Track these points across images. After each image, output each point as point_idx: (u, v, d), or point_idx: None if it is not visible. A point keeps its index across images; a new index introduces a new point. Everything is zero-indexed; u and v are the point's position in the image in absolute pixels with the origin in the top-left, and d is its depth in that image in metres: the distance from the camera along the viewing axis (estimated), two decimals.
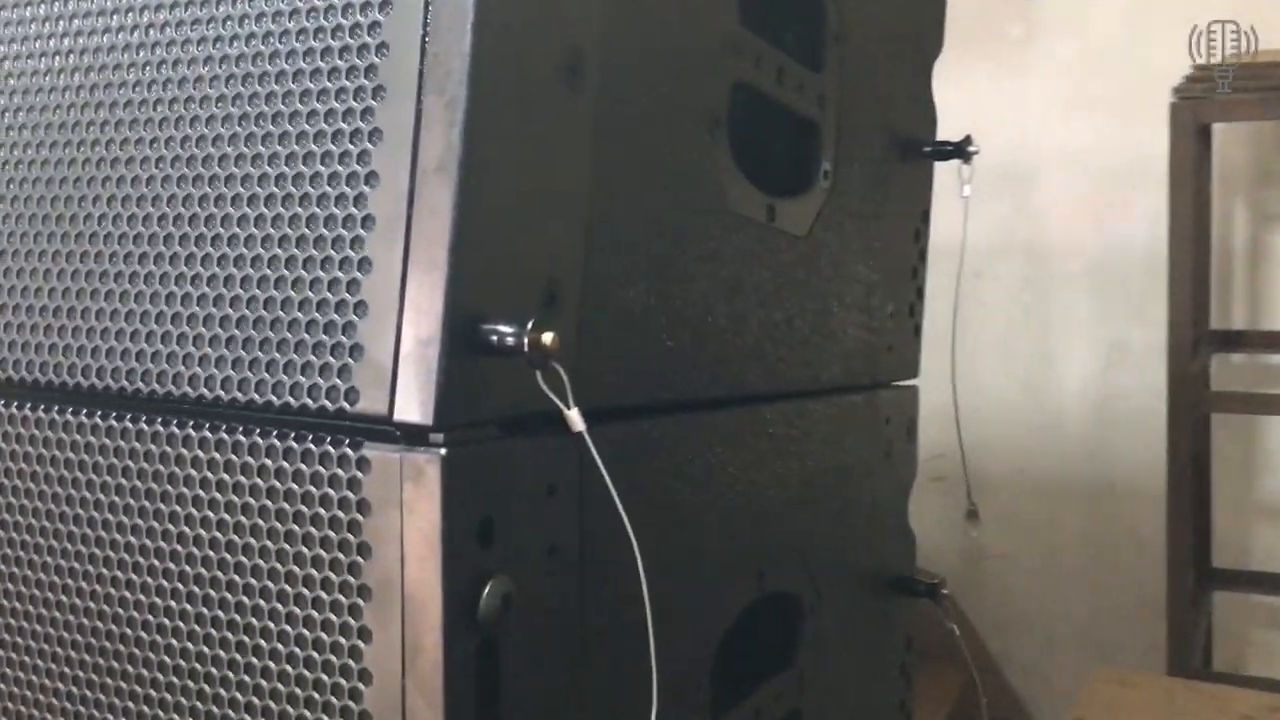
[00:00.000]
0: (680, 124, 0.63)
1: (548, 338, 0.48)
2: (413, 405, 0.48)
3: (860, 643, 0.95)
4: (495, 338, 0.48)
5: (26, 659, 0.61)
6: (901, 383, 0.99)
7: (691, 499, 0.67)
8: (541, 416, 0.52)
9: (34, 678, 0.60)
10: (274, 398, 0.51)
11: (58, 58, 0.60)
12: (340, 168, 0.50)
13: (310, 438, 0.51)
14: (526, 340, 0.48)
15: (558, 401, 0.49)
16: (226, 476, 0.53)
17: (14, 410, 0.60)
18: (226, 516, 0.53)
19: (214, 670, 0.54)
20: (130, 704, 0.57)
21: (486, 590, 0.49)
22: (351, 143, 0.50)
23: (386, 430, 0.49)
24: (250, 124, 0.53)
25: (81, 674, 0.59)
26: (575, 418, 0.49)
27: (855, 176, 0.84)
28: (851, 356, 0.87)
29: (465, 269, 0.48)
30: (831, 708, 0.88)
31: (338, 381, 0.50)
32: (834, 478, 0.86)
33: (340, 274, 0.50)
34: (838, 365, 0.85)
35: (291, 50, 0.52)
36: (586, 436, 0.49)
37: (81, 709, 0.59)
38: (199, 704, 0.55)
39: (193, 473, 0.54)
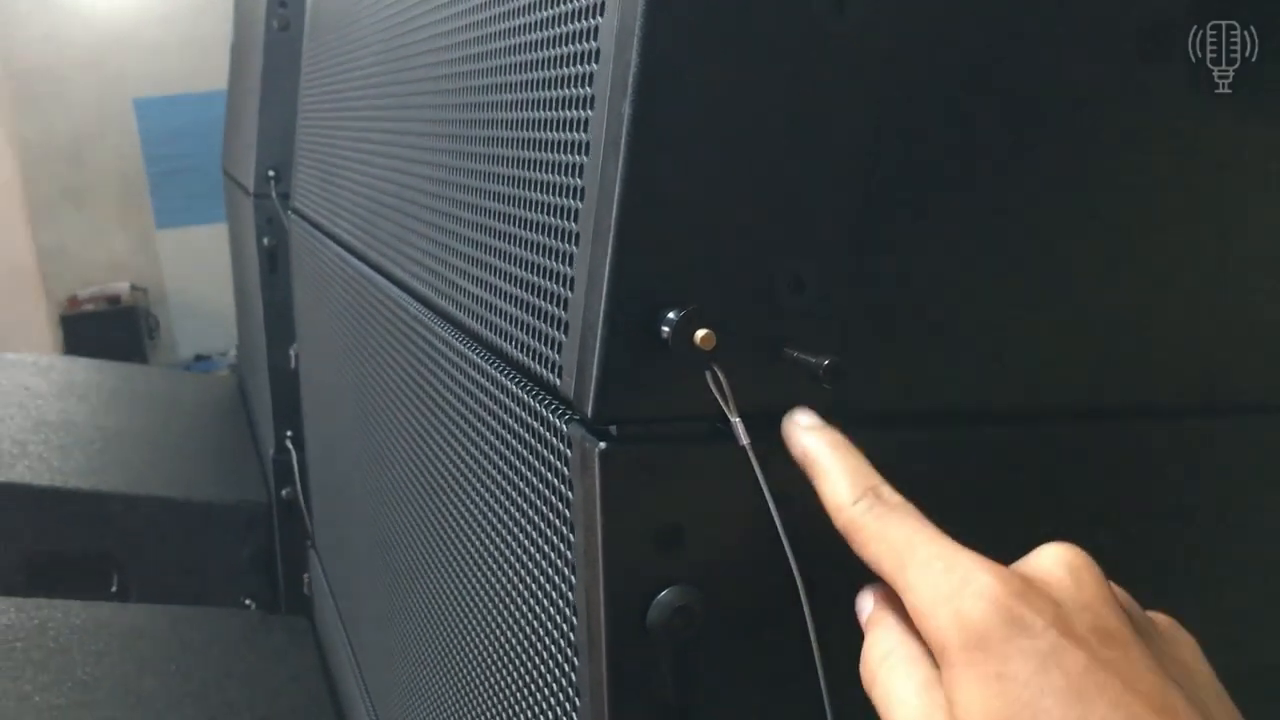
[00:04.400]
0: (1079, 46, 0.48)
1: (699, 334, 0.42)
2: (583, 392, 0.45)
3: None
4: (664, 329, 0.43)
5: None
6: None
7: None
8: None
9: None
10: (532, 363, 0.52)
11: None
12: (571, 134, 0.48)
13: (549, 401, 0.51)
14: (672, 334, 0.42)
15: (724, 405, 0.43)
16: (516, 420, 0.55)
17: None
18: (502, 460, 0.56)
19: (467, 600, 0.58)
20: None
21: (656, 600, 0.46)
22: (579, 109, 0.48)
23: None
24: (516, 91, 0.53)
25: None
26: (738, 427, 0.42)
27: None
28: None
29: (638, 246, 0.43)
30: None
31: (556, 357, 0.49)
32: None
33: (562, 245, 0.48)
34: None
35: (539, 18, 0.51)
36: (750, 451, 0.42)
37: None
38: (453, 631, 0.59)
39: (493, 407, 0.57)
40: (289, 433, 1.79)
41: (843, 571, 0.42)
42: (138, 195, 4.96)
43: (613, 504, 0.45)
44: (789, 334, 0.46)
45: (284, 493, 1.81)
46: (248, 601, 1.81)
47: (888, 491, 0.41)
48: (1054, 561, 0.37)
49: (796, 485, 0.47)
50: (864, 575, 0.41)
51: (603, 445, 0.44)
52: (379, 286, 0.87)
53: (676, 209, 0.44)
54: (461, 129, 0.65)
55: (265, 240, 1.73)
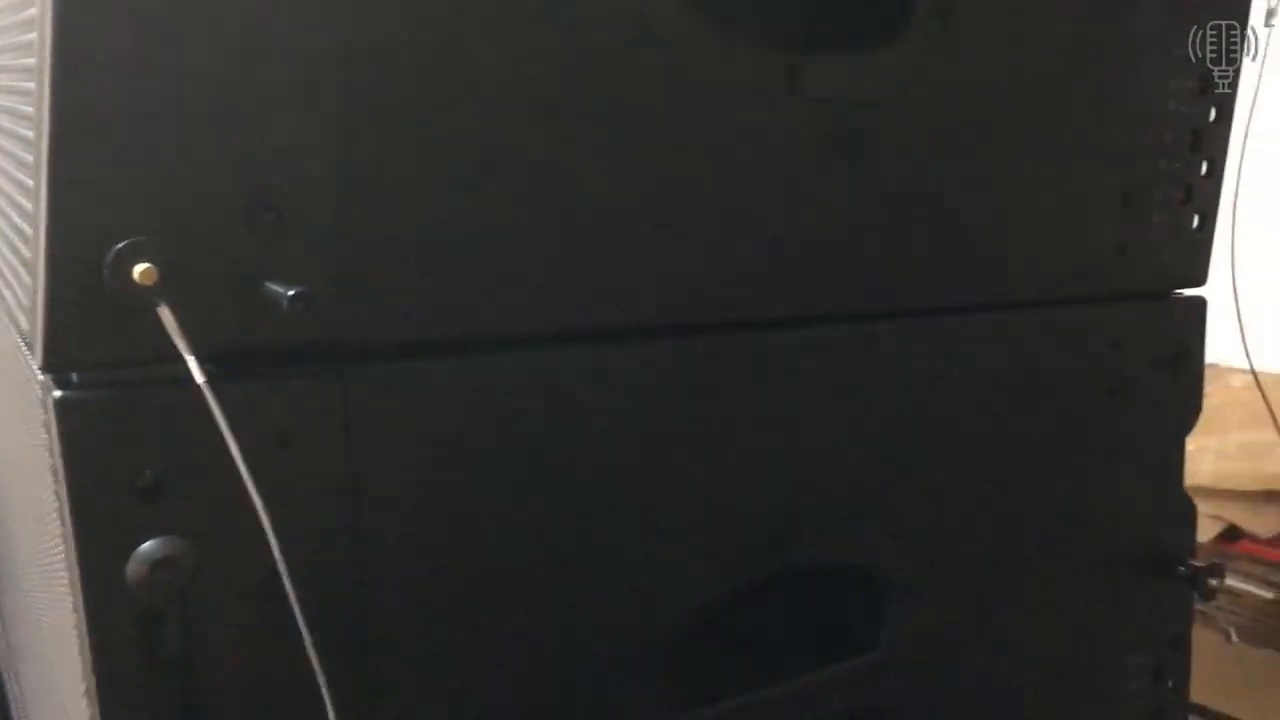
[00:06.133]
0: None
1: (138, 270, 0.40)
2: (36, 337, 0.42)
3: (1051, 636, 0.72)
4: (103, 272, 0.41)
5: None
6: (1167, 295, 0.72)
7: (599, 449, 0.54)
8: (296, 356, 0.45)
9: None
10: (18, 313, 0.48)
11: None
12: (27, 59, 0.44)
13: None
14: (109, 272, 0.40)
15: (180, 347, 0.41)
16: None
17: None
18: None
19: None
20: None
21: (135, 553, 0.43)
22: (32, 30, 0.44)
23: None
24: None
25: None
26: (192, 365, 0.40)
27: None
28: (999, 263, 0.64)
29: (77, 180, 0.40)
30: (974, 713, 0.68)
31: (28, 303, 0.45)
32: (969, 421, 0.65)
33: (31, 183, 0.45)
34: (960, 276, 0.63)
35: None
36: (207, 390, 0.40)
37: None
38: None
39: None
40: None
41: (333, 513, 0.41)
42: None
43: (77, 455, 0.42)
44: (272, 267, 0.44)
45: None
46: None
47: None
48: None
49: (295, 425, 0.45)
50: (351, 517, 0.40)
51: (58, 394, 0.42)
52: None
53: (115, 137, 0.41)
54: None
55: None
